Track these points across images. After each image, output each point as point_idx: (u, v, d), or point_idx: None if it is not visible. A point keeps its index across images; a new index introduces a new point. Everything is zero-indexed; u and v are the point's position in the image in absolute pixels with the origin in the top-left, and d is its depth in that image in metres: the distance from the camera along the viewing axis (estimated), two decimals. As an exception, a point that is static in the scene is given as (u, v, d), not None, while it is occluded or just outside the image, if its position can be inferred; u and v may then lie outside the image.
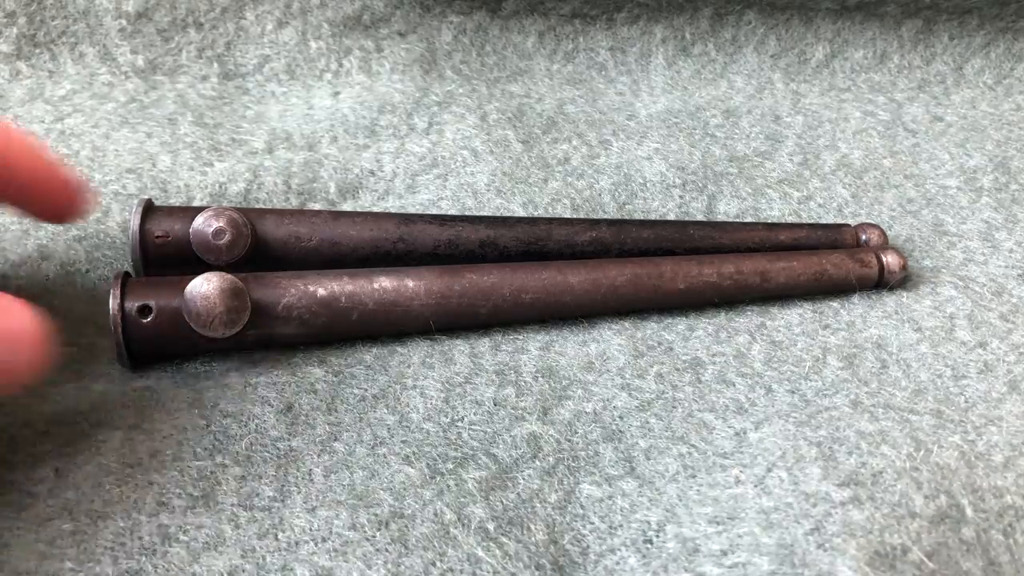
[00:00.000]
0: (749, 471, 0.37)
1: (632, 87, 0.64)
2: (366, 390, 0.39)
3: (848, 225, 0.51)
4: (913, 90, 0.67)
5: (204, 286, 0.37)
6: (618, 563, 0.34)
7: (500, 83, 0.64)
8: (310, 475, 0.35)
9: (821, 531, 0.33)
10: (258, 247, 0.43)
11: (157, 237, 0.41)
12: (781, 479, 0.36)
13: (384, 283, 0.41)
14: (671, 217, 0.52)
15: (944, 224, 0.54)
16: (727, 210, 0.53)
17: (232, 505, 0.34)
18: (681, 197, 0.54)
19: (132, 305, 0.37)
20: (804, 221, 0.53)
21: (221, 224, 0.41)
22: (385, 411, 0.38)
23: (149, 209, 0.42)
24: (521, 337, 0.43)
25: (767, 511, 0.34)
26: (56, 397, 0.38)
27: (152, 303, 0.37)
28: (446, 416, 0.39)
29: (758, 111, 0.63)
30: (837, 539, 0.32)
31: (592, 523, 0.35)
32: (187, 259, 0.41)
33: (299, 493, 0.35)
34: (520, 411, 0.39)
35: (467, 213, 0.50)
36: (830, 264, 0.47)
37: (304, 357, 0.41)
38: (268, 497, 0.34)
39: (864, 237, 0.50)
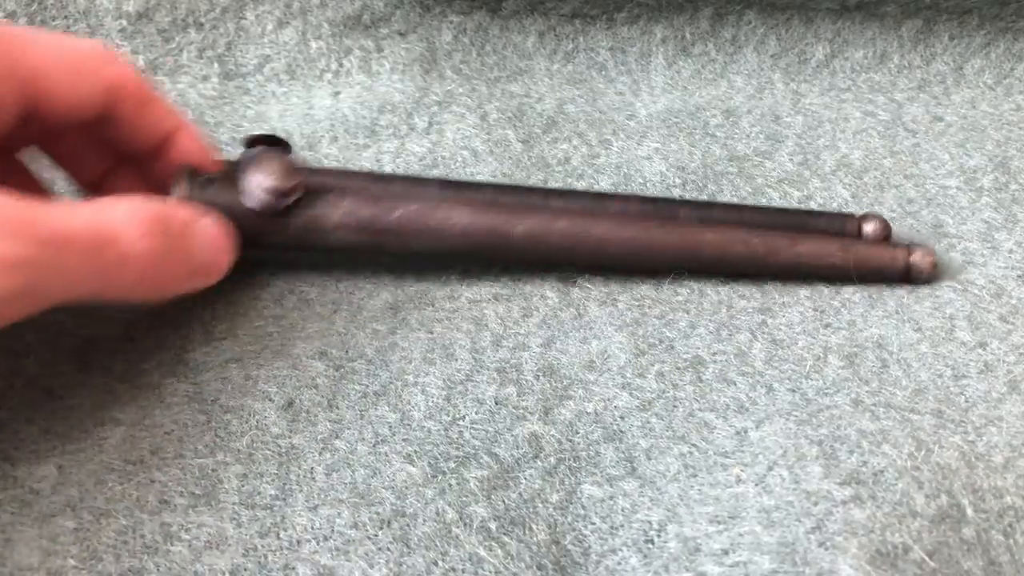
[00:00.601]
0: (750, 470, 0.37)
1: (632, 87, 0.65)
2: (367, 386, 0.39)
3: (852, 215, 0.51)
4: (913, 90, 0.67)
5: (261, 156, 0.40)
6: (619, 563, 0.34)
7: (500, 83, 0.64)
8: (312, 473, 0.35)
9: (822, 529, 0.33)
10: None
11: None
12: (782, 478, 0.36)
13: (429, 196, 0.43)
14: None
15: (944, 225, 0.54)
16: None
17: (234, 504, 0.34)
18: (681, 196, 0.54)
19: (198, 179, 0.40)
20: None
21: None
22: (386, 408, 0.38)
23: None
24: (522, 332, 0.43)
25: (768, 510, 0.34)
26: (58, 392, 0.38)
27: (216, 178, 0.41)
28: (447, 414, 0.39)
29: (758, 111, 0.63)
30: (838, 537, 0.33)
31: (593, 523, 0.35)
32: None
33: (301, 492, 0.35)
34: (521, 410, 0.39)
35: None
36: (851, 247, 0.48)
37: (304, 348, 0.41)
38: (270, 496, 0.34)
39: (868, 228, 0.50)
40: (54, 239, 0.32)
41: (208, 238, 0.38)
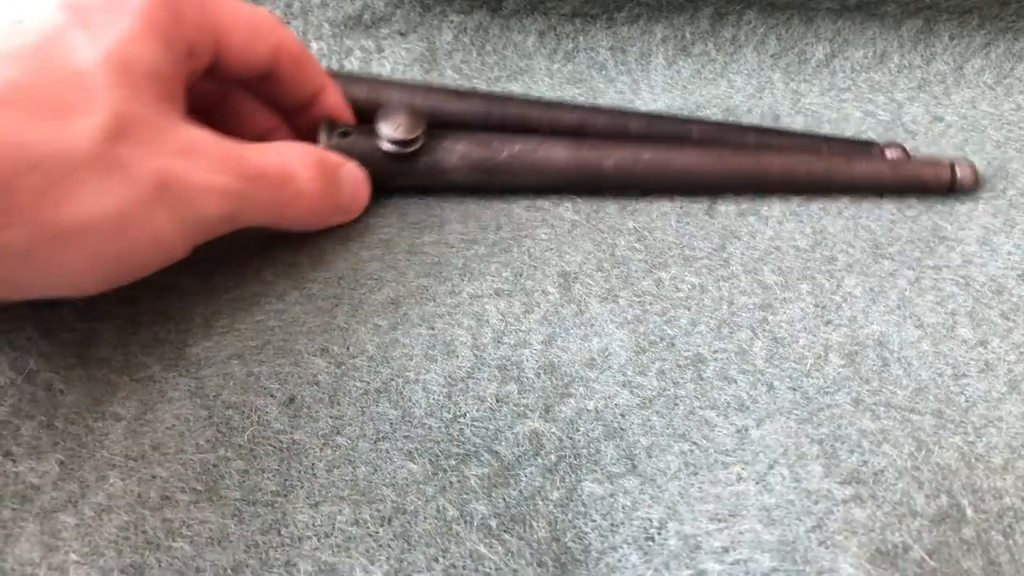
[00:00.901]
0: (751, 468, 0.37)
1: (632, 86, 0.64)
2: (368, 383, 0.39)
3: (876, 142, 0.58)
4: (913, 90, 0.67)
5: (390, 109, 0.47)
6: (620, 560, 0.34)
7: (501, 82, 0.64)
8: (313, 470, 0.35)
9: (823, 528, 0.33)
10: None
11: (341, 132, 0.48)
12: (783, 476, 0.36)
13: (529, 138, 0.49)
14: (673, 217, 0.52)
15: (943, 229, 0.54)
16: (727, 209, 0.53)
17: (235, 500, 0.34)
18: (682, 198, 0.54)
19: (336, 129, 0.46)
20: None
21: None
22: (388, 405, 0.38)
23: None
24: (523, 329, 0.43)
25: (769, 508, 0.34)
26: (58, 386, 0.38)
27: (351, 129, 0.47)
28: (448, 412, 0.39)
29: (758, 110, 0.63)
30: (839, 536, 0.33)
31: (594, 520, 0.35)
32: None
33: (302, 488, 0.35)
34: (522, 408, 0.39)
35: (469, 212, 0.50)
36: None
37: (305, 344, 0.41)
38: (271, 492, 0.34)
39: (890, 155, 0.56)
40: (254, 174, 0.38)
41: (352, 180, 0.45)
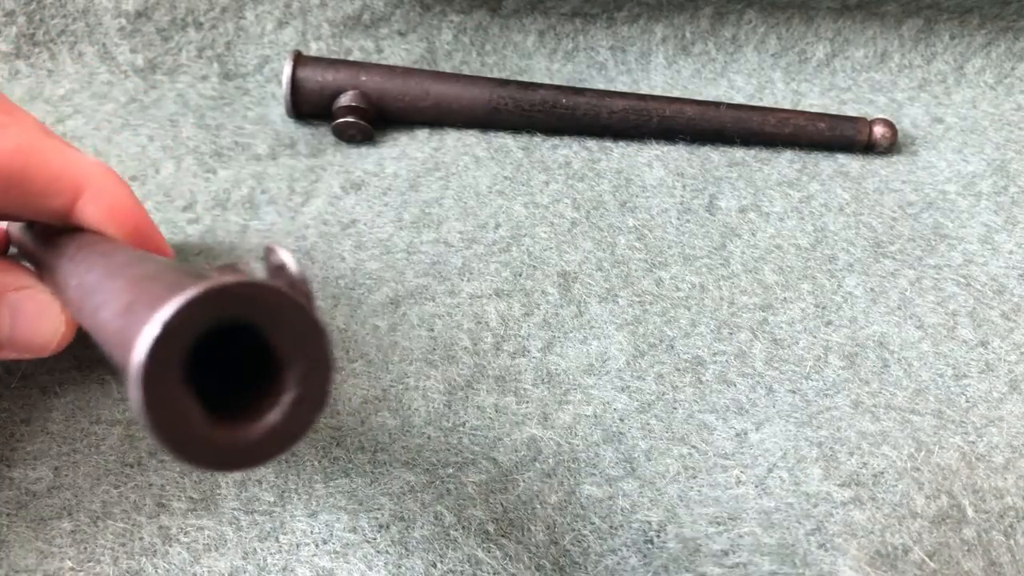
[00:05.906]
0: (750, 472, 0.37)
1: (632, 86, 0.64)
2: (368, 391, 0.39)
3: (865, 119, 0.60)
4: (914, 89, 0.66)
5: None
6: (619, 563, 0.34)
7: (500, 82, 0.64)
8: (310, 481, 0.35)
9: (822, 531, 0.33)
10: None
11: None
12: (782, 480, 0.36)
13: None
14: (673, 213, 0.52)
15: (944, 227, 0.53)
16: (727, 206, 0.53)
17: (233, 509, 0.34)
18: (682, 196, 0.54)
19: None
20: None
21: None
22: (387, 414, 0.38)
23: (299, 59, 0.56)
24: (523, 334, 0.43)
25: (768, 511, 0.34)
26: (54, 389, 0.38)
27: None
28: (448, 421, 0.38)
29: (758, 110, 0.63)
30: (838, 539, 0.33)
31: (593, 523, 0.35)
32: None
33: (299, 499, 0.35)
34: (520, 417, 0.39)
35: (468, 210, 0.50)
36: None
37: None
38: (268, 502, 0.34)
39: (878, 131, 0.59)
40: None
41: (21, 312, 0.33)
